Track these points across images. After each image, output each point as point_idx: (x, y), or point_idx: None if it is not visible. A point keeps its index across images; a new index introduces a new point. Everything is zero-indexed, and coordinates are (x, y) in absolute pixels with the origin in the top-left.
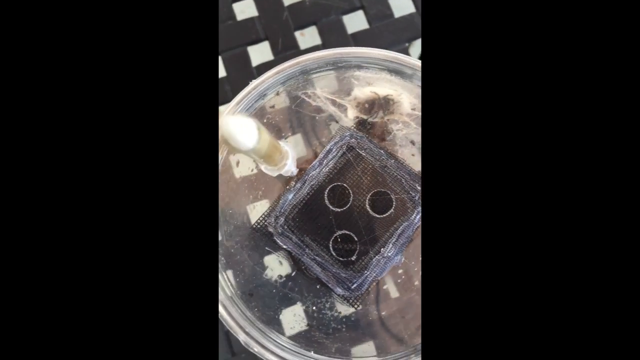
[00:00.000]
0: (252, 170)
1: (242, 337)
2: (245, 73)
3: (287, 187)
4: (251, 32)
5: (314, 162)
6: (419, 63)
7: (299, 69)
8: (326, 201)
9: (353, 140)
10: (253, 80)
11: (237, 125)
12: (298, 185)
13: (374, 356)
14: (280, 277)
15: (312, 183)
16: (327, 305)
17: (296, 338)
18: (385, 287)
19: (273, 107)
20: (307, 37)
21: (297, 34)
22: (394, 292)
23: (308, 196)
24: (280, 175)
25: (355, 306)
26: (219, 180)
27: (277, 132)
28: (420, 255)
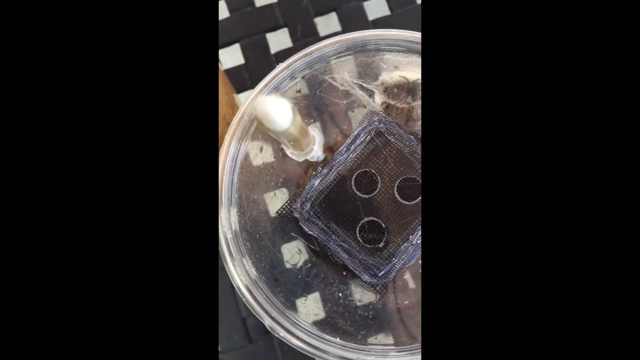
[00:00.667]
0: (273, 157)
1: (267, 321)
2: (264, 60)
3: (314, 172)
4: (270, 18)
5: (341, 148)
6: None
7: (325, 52)
8: (353, 187)
9: (382, 125)
10: (279, 64)
11: (272, 105)
12: (325, 170)
13: (392, 345)
14: (306, 263)
15: (339, 169)
16: (353, 293)
17: (321, 324)
18: (405, 277)
19: (299, 91)
20: (320, 25)
21: (316, 20)
22: (412, 283)
23: (335, 182)
24: (302, 162)
25: (382, 293)
26: (242, 166)
27: (303, 117)
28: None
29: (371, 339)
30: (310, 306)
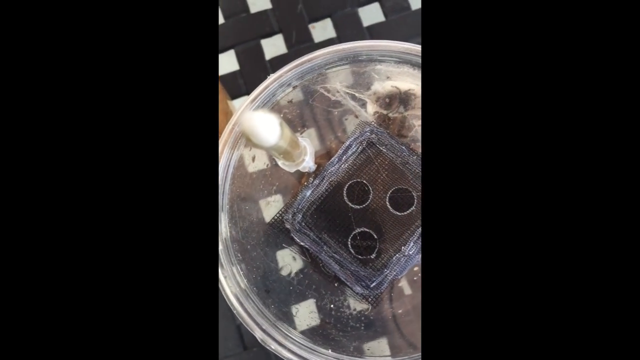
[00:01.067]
0: (266, 165)
1: (258, 334)
2: (258, 66)
3: (305, 183)
4: (265, 25)
5: (332, 158)
6: None
7: (317, 62)
8: (345, 198)
9: (373, 136)
10: (271, 74)
11: (259, 121)
12: (316, 181)
13: (389, 356)
14: (297, 274)
15: (330, 179)
16: (345, 303)
17: (313, 336)
18: (400, 284)
19: (291, 101)
20: (318, 29)
21: (309, 26)
22: (407, 290)
23: (326, 193)
24: (297, 171)
25: (374, 305)
26: (234, 176)
27: (295, 127)
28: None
29: (364, 350)
30: (303, 317)
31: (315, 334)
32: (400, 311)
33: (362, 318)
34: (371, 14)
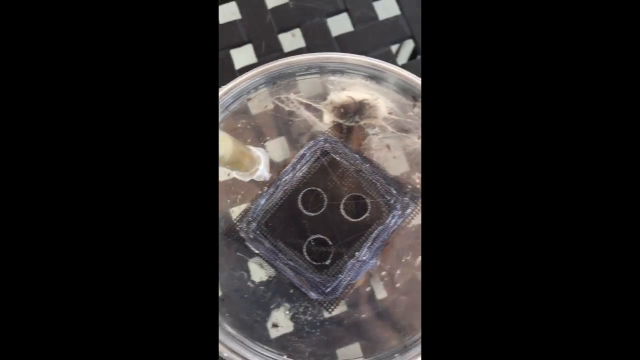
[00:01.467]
0: (228, 175)
1: None
2: (228, 76)
3: (260, 192)
4: (234, 35)
5: (286, 167)
6: (394, 68)
7: (270, 74)
8: (300, 206)
9: (327, 144)
10: (223, 87)
11: None
12: (271, 190)
13: (361, 357)
14: (254, 282)
15: (285, 188)
16: (301, 310)
17: (270, 343)
18: (368, 289)
19: (246, 112)
20: (297, 37)
21: (288, 34)
22: (379, 294)
23: (281, 201)
24: (253, 180)
25: (330, 310)
26: None
27: (253, 137)
28: (402, 260)
29: (328, 355)
30: (261, 325)
31: (272, 342)
32: (367, 315)
33: (318, 324)
34: (340, 24)
